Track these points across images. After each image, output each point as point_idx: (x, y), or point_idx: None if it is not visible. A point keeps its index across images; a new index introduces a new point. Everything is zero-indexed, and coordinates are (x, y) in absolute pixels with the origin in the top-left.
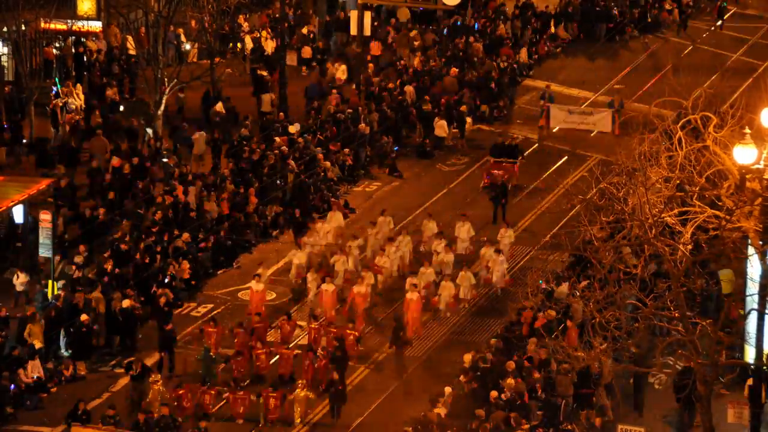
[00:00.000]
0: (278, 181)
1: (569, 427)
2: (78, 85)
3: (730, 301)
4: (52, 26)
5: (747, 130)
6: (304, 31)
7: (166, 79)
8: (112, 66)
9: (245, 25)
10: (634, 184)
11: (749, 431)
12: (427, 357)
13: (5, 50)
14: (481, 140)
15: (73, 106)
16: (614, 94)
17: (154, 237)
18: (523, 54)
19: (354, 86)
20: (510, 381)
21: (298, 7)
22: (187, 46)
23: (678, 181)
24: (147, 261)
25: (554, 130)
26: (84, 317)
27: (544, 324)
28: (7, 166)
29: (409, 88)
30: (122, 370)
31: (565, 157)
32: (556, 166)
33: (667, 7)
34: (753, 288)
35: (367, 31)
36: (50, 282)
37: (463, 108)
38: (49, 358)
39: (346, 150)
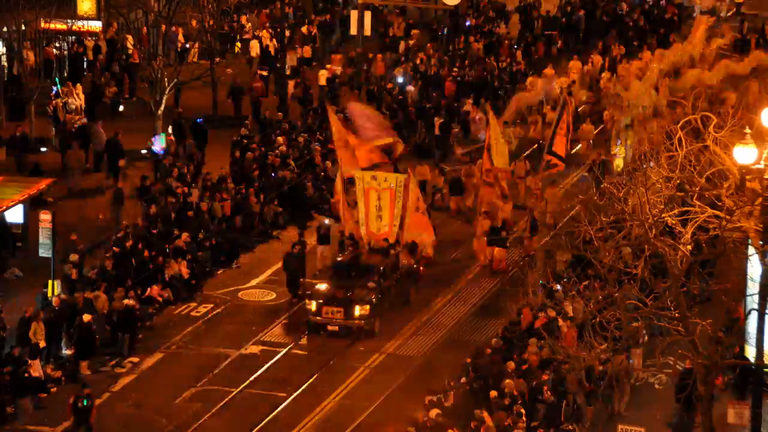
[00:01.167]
0: (277, 181)
1: (570, 427)
2: (78, 85)
3: (730, 300)
4: (52, 26)
5: (747, 130)
6: (304, 30)
7: (166, 79)
8: (112, 66)
9: (248, 26)
10: (635, 184)
11: None
12: (427, 357)
13: (4, 50)
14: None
15: (73, 106)
16: None
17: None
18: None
19: (354, 86)
20: (510, 381)
21: (298, 7)
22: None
23: (678, 181)
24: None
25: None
26: (87, 317)
27: (544, 324)
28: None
29: (410, 88)
30: (123, 370)
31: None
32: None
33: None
34: (753, 288)
35: (368, 31)
36: (50, 282)
37: (467, 107)
38: (49, 359)
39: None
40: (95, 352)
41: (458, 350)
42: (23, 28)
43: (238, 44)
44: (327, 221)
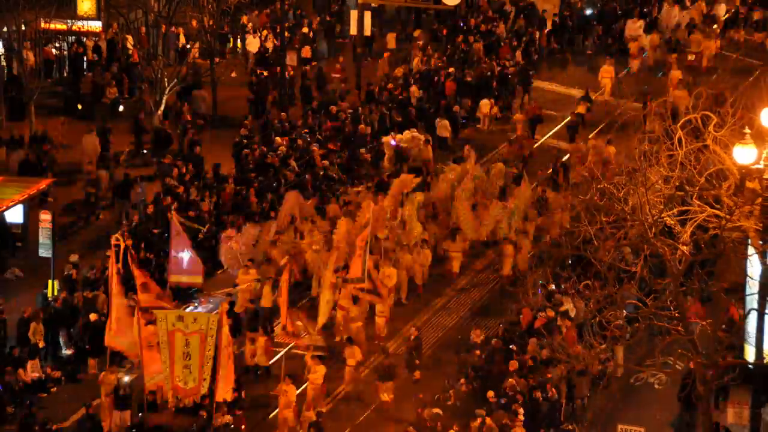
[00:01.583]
0: (277, 181)
1: (570, 427)
2: None
3: (728, 300)
4: (52, 26)
5: (747, 130)
6: (305, 30)
7: (166, 79)
8: (111, 66)
9: (249, 26)
10: (635, 184)
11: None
12: (427, 357)
13: (4, 50)
14: (481, 140)
15: None
16: None
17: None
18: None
19: (354, 86)
20: (512, 381)
21: (298, 7)
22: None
23: (678, 182)
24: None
25: None
26: (93, 316)
27: (543, 324)
28: None
29: (413, 88)
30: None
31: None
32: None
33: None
34: (753, 287)
35: (367, 31)
36: (50, 282)
37: (456, 108)
38: (49, 359)
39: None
40: (104, 351)
41: (458, 350)
42: (23, 28)
43: (239, 44)
44: (126, 378)
